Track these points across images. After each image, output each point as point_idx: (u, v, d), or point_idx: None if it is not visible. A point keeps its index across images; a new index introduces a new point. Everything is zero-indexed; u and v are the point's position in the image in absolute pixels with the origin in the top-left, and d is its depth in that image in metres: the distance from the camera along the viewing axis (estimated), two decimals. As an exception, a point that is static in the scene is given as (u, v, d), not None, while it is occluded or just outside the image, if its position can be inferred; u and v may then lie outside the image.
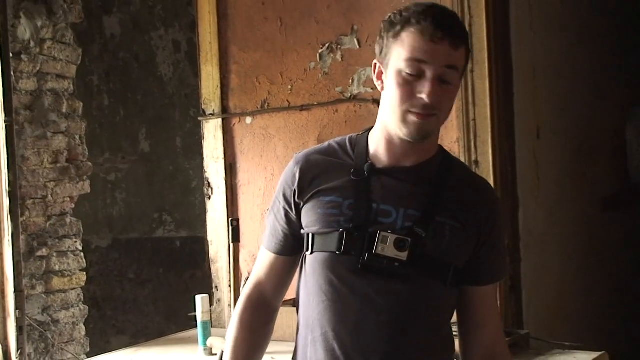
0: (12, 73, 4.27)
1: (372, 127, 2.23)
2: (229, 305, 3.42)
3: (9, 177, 4.08)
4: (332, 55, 4.10)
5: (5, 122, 4.08)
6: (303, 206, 2.22)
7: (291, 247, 2.28)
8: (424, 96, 2.04)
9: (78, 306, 4.82)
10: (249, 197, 4.30)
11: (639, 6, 5.72)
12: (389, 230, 2.10)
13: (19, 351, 4.04)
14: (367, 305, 2.12)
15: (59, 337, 4.72)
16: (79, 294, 4.82)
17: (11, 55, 4.26)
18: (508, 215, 3.89)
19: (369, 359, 2.12)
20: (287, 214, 2.26)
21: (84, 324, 4.82)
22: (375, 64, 2.17)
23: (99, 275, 5.00)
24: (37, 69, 4.70)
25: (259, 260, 2.37)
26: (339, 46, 4.08)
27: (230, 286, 3.50)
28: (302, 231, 2.22)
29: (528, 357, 3.46)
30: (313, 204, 2.20)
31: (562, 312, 4.45)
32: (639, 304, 5.16)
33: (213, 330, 3.84)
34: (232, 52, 4.35)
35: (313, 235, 2.18)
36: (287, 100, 4.22)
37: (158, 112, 4.96)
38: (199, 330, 3.81)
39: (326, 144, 2.30)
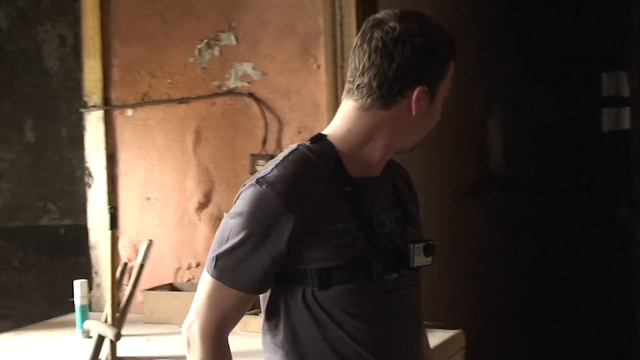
0: None
1: (321, 137, 2.00)
2: (107, 289, 3.37)
3: None
4: (210, 51, 4.08)
5: None
6: (302, 243, 1.92)
7: (268, 285, 1.99)
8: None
9: (-39, 293, 4.69)
10: (129, 186, 4.26)
11: (499, 7, 5.83)
12: (390, 240, 1.99)
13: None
14: (398, 321, 2.03)
15: (-58, 322, 4.59)
16: (-38, 281, 4.69)
17: None
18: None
19: None
20: (276, 257, 1.92)
21: (-32, 310, 4.69)
22: (419, 86, 1.95)
23: (-17, 262, 4.89)
24: None
25: (218, 297, 1.98)
26: (217, 42, 4.07)
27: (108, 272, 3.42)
28: (301, 267, 1.94)
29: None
30: (317, 238, 1.93)
31: (429, 294, 4.49)
32: (491, 284, 5.24)
33: (92, 314, 3.83)
34: (115, 47, 4.29)
35: (327, 270, 1.93)
36: (167, 93, 4.18)
37: (44, 104, 4.84)
38: (77, 314, 3.76)
39: (291, 165, 1.94)
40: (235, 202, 2.00)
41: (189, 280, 4.11)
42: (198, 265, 4.10)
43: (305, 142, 2.00)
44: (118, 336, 3.22)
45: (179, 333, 3.56)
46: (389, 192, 2.06)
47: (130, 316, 3.44)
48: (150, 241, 3.43)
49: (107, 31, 4.29)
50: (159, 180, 4.19)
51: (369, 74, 1.93)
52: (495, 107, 5.78)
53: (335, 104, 3.76)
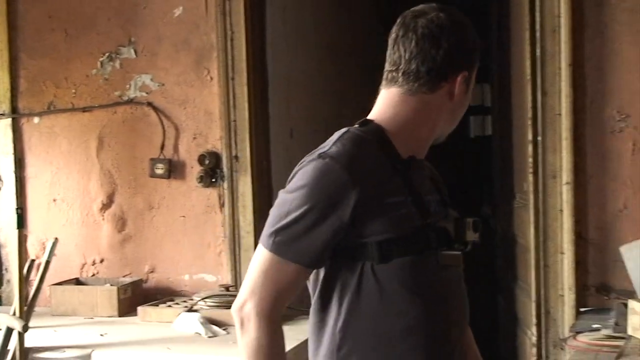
0: None
1: (368, 121, 1.93)
2: (15, 284, 3.44)
3: None
4: (111, 64, 4.16)
5: None
6: (364, 215, 1.84)
7: (324, 260, 1.88)
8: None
9: None
10: (36, 188, 4.30)
11: (376, 23, 6.04)
12: (439, 220, 1.93)
13: None
14: (449, 298, 1.96)
15: None
16: None
17: None
18: (265, 203, 4.04)
19: (451, 340, 1.97)
20: (338, 229, 1.83)
21: None
22: (461, 72, 1.93)
23: None
24: None
25: (275, 273, 1.86)
26: (118, 55, 4.15)
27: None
28: (361, 240, 1.85)
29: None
30: (378, 210, 1.85)
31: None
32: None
33: (2, 307, 3.85)
34: (22, 59, 4.32)
35: (387, 242, 1.85)
36: (71, 103, 4.24)
37: None
38: (-12, 307, 3.80)
39: (348, 142, 1.87)
40: (290, 180, 1.89)
41: (93, 275, 4.20)
42: (102, 261, 4.19)
43: (355, 126, 1.93)
44: (25, 328, 3.29)
45: (84, 324, 3.72)
46: (427, 177, 2.01)
47: (38, 309, 3.52)
48: (56, 239, 3.51)
49: (15, 45, 4.32)
50: (64, 183, 4.26)
51: (417, 60, 1.90)
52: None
53: (227, 112, 3.91)
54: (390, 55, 1.95)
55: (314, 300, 1.94)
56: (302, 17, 4.79)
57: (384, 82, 1.97)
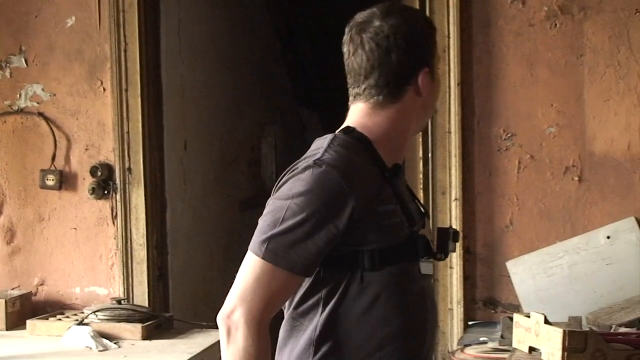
0: None
1: (351, 129, 1.95)
2: None
3: None
4: (1, 72, 4.03)
5: None
6: (358, 223, 1.85)
7: (315, 268, 1.87)
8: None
9: None
10: None
11: (272, 36, 6.06)
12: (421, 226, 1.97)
13: None
14: (431, 304, 2.00)
15: None
16: None
17: None
18: (157, 215, 4.00)
19: (425, 346, 1.98)
20: (333, 238, 1.83)
21: None
22: (421, 70, 1.94)
23: None
24: None
25: (267, 280, 1.83)
26: (8, 64, 4.03)
27: None
28: (353, 249, 1.86)
29: (171, 336, 3.57)
30: (372, 218, 1.86)
31: (205, 297, 4.62)
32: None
33: None
34: None
35: (380, 251, 1.87)
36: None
37: None
38: None
39: (341, 149, 1.88)
40: (280, 187, 1.88)
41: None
42: (-9, 271, 4.05)
43: (338, 132, 1.94)
44: None
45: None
46: (404, 184, 2.02)
47: None
48: (-59, 251, 3.39)
49: None
50: (-49, 194, 4.10)
51: (374, 76, 1.91)
52: (267, 129, 5.99)
53: (120, 124, 3.84)
54: (348, 72, 1.97)
55: (293, 305, 1.92)
56: (198, 29, 4.75)
57: (350, 99, 1.99)
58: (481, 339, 3.11)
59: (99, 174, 3.88)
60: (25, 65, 4.01)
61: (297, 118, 6.54)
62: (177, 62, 4.40)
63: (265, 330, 1.83)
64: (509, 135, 3.49)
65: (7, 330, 3.70)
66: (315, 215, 1.80)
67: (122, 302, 3.71)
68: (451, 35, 3.47)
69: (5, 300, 3.73)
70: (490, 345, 2.99)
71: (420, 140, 3.53)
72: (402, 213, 1.90)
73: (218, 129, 4.97)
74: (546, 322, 2.52)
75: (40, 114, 3.97)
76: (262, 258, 1.81)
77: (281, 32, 6.30)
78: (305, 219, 1.80)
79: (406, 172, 3.92)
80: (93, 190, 3.87)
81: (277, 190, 1.90)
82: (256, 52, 5.72)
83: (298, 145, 6.19)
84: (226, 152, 5.12)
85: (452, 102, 3.47)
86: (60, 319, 3.68)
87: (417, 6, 3.53)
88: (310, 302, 1.89)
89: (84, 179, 3.92)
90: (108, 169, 3.90)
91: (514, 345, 2.71)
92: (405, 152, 2.02)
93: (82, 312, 3.71)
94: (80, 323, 3.55)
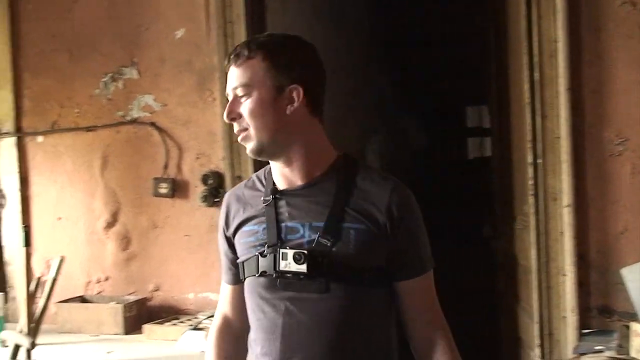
0: None
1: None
2: (22, 302, 3.42)
3: None
4: (114, 84, 4.14)
5: None
6: (233, 239, 2.11)
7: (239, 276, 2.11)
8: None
9: None
10: (41, 206, 4.28)
11: (378, 47, 6.07)
12: (296, 246, 1.97)
13: None
14: (290, 319, 1.99)
15: None
16: None
17: None
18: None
19: None
20: (227, 248, 2.15)
21: None
22: None
23: None
24: None
25: (220, 295, 2.24)
26: (121, 76, 4.13)
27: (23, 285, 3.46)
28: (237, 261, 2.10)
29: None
30: (239, 236, 2.09)
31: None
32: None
33: (8, 324, 3.81)
34: (25, 79, 4.32)
35: (242, 263, 2.06)
36: (75, 122, 4.23)
37: None
38: (-6, 325, 3.78)
39: (251, 176, 2.15)
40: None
41: (98, 292, 4.17)
42: (107, 279, 4.17)
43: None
44: (33, 345, 3.28)
45: (90, 342, 3.70)
46: (321, 202, 2.00)
47: (44, 326, 3.48)
48: (62, 257, 3.48)
49: (18, 64, 4.31)
50: (69, 202, 4.24)
51: None
52: (372, 136, 5.98)
53: (229, 133, 3.89)
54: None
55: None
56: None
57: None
58: (597, 347, 3.06)
59: (210, 182, 3.95)
60: (137, 77, 4.11)
61: (400, 124, 6.53)
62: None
63: (217, 333, 2.23)
64: (621, 140, 3.42)
65: (125, 334, 3.80)
66: (219, 235, 2.21)
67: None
68: (559, 40, 3.41)
69: (124, 305, 3.84)
70: (607, 354, 2.95)
71: (529, 145, 3.49)
72: (264, 232, 2.02)
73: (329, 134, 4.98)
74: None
75: (152, 124, 4.07)
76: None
77: (381, 38, 6.30)
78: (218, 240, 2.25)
79: (515, 178, 3.92)
80: (205, 198, 3.94)
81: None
82: (357, 59, 5.74)
83: (402, 151, 6.22)
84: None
85: (561, 107, 3.41)
86: (175, 324, 3.77)
87: (523, 12, 3.49)
88: None
89: (195, 186, 4.00)
90: (218, 177, 3.95)
91: (632, 354, 2.67)
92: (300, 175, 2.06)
93: (196, 317, 3.79)
94: (195, 328, 3.63)
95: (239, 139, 2.01)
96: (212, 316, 3.62)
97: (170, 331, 3.69)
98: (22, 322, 3.36)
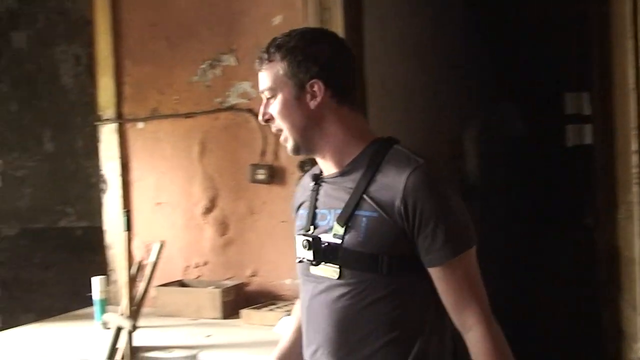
0: None
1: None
2: (123, 285, 3.48)
3: None
4: (212, 71, 4.18)
5: None
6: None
7: None
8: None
9: (-11, 287, 4.78)
10: (141, 191, 4.36)
11: (475, 30, 5.97)
12: (321, 232, 2.03)
13: None
14: (313, 302, 2.07)
15: (-30, 315, 4.69)
16: (-10, 277, 4.78)
17: None
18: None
19: (317, 351, 2.07)
20: None
21: (-4, 303, 4.78)
22: None
23: (8, 260, 4.97)
24: (-48, 77, 4.65)
25: None
26: (219, 63, 4.17)
27: (123, 269, 3.53)
28: None
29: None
30: (297, 220, 2.22)
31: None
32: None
33: (109, 307, 3.89)
34: (126, 66, 4.39)
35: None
36: (174, 109, 4.28)
37: (61, 117, 4.95)
38: (96, 307, 3.86)
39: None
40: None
41: (197, 277, 4.23)
42: (205, 263, 4.22)
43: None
44: (134, 327, 3.34)
45: (189, 325, 3.75)
46: (346, 190, 2.02)
47: (143, 310, 3.51)
48: (163, 242, 3.53)
49: (119, 52, 4.39)
50: (168, 187, 4.31)
51: None
52: (469, 123, 5.90)
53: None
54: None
55: None
56: (399, 24, 4.75)
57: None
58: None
59: (307, 168, 3.93)
60: (235, 63, 4.14)
61: (498, 111, 6.43)
62: (379, 57, 4.41)
63: (294, 310, 2.43)
64: None
65: (222, 319, 3.85)
66: None
67: (330, 293, 3.75)
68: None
69: (222, 290, 3.89)
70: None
71: (634, 133, 3.38)
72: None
73: (419, 123, 4.95)
74: None
75: (250, 111, 4.09)
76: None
77: (478, 22, 6.20)
78: None
79: (618, 166, 3.81)
80: (301, 184, 3.95)
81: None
82: (455, 45, 5.66)
83: (500, 139, 6.11)
84: (428, 147, 5.08)
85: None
86: (272, 309, 3.79)
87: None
88: None
89: (292, 173, 4.00)
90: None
91: None
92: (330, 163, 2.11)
93: (293, 303, 3.79)
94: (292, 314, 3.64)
95: (281, 140, 2.09)
96: (308, 302, 3.67)
97: (267, 316, 3.71)
98: (124, 305, 3.42)
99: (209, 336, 3.58)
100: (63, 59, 5.02)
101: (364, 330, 1.98)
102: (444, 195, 1.95)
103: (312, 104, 2.02)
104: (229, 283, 4.04)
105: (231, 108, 4.14)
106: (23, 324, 4.02)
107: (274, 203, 4.05)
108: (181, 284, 4.16)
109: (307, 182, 2.19)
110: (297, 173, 3.96)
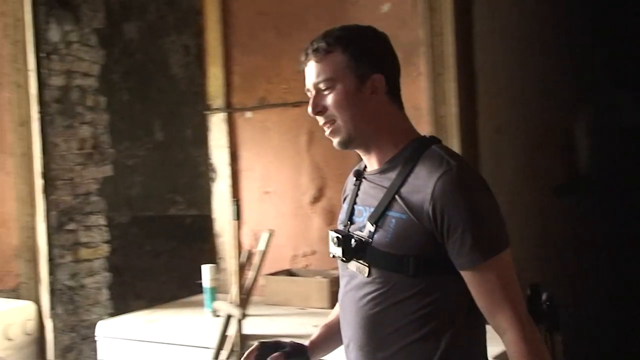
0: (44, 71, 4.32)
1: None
2: (232, 273, 3.51)
3: (42, 160, 4.10)
4: (322, 60, 4.16)
5: (38, 113, 4.11)
6: None
7: None
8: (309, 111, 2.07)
9: (102, 273, 4.90)
10: (249, 180, 4.39)
11: (586, 14, 5.80)
12: (356, 228, 2.05)
13: (52, 311, 4.12)
14: (346, 297, 2.09)
15: (85, 299, 4.81)
16: (102, 263, 4.90)
17: (43, 55, 4.30)
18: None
19: (349, 345, 2.10)
20: None
21: (108, 289, 4.89)
22: None
23: (120, 247, 5.07)
24: (66, 67, 4.77)
25: None
26: (327, 51, 4.14)
27: (233, 257, 3.56)
28: None
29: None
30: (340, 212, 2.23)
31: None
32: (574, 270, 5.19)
33: (219, 295, 3.92)
34: (235, 56, 4.42)
35: None
36: (283, 98, 4.29)
37: (170, 107, 5.03)
38: (206, 295, 3.91)
39: None
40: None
41: (306, 266, 4.24)
42: (313, 253, 4.23)
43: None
44: (243, 315, 3.37)
45: (297, 314, 3.75)
46: (381, 188, 2.03)
47: (253, 298, 3.55)
48: (272, 231, 3.54)
49: (228, 42, 4.42)
50: (276, 176, 4.33)
51: None
52: (580, 112, 5.75)
53: (434, 108, 3.85)
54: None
55: None
56: (509, 10, 4.65)
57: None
58: None
59: (414, 159, 3.91)
60: (343, 52, 4.11)
61: (611, 99, 6.24)
62: (489, 44, 4.33)
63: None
64: None
65: (330, 308, 3.82)
66: None
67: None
68: None
69: (329, 280, 3.88)
70: None
71: None
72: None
73: (529, 112, 4.84)
74: None
75: (357, 100, 4.06)
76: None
77: (591, 7, 6.02)
78: None
79: None
80: (412, 171, 3.90)
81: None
82: (566, 27, 5.51)
83: (613, 128, 5.92)
84: (537, 135, 4.97)
85: None
86: (381, 300, 3.75)
87: None
88: None
89: (399, 162, 3.96)
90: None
91: None
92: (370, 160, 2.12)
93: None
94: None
95: (327, 133, 2.06)
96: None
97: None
98: (233, 293, 3.45)
99: (316, 325, 3.56)
100: (173, 49, 5.11)
101: (390, 329, 1.99)
102: (474, 199, 1.92)
103: (372, 98, 2.03)
104: (336, 273, 4.00)
105: (340, 97, 4.11)
106: (133, 310, 4.10)
107: (382, 193, 4.01)
108: (289, 272, 4.17)
109: (351, 177, 2.22)
110: (406, 163, 3.92)
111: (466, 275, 1.93)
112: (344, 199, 2.23)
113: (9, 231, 4.37)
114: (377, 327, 2.00)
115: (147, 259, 5.02)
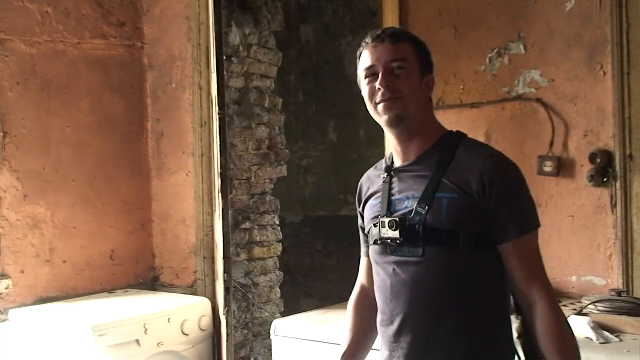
0: (224, 73, 4.42)
1: None
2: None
3: (221, 160, 4.20)
4: (500, 59, 4.10)
5: (219, 114, 4.21)
6: (364, 214, 2.43)
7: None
8: (378, 85, 2.22)
9: (275, 272, 4.96)
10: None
11: None
12: (400, 215, 2.21)
13: (226, 308, 4.19)
14: (395, 281, 2.23)
15: (258, 297, 4.89)
16: (275, 262, 4.96)
17: (224, 58, 4.40)
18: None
19: (397, 322, 2.24)
20: (361, 223, 2.48)
21: (279, 288, 4.95)
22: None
23: (292, 246, 5.12)
24: (245, 69, 4.87)
25: (360, 266, 2.56)
26: (507, 51, 4.08)
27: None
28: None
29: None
30: (366, 211, 2.40)
31: None
32: None
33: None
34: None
35: (367, 234, 2.37)
36: (460, 99, 4.24)
37: (345, 108, 5.06)
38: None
39: (381, 160, 2.46)
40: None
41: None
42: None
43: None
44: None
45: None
46: (423, 176, 2.23)
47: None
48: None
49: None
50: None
51: None
52: None
53: (621, 109, 3.69)
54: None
55: None
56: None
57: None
58: None
59: (598, 160, 3.77)
60: (524, 52, 4.02)
61: None
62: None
63: (354, 299, 2.55)
64: None
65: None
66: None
67: (622, 294, 3.55)
68: None
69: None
70: None
71: None
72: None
73: None
74: None
75: (539, 100, 3.96)
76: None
77: None
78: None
79: None
80: (592, 178, 3.77)
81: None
82: None
83: None
84: None
85: None
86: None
87: None
88: None
89: (582, 165, 3.83)
90: (607, 155, 3.75)
91: None
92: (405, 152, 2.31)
93: (580, 302, 3.63)
94: (579, 313, 3.48)
95: (385, 104, 2.22)
96: (597, 302, 3.49)
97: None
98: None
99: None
100: (349, 51, 5.13)
101: (444, 307, 2.18)
102: (518, 180, 2.22)
103: (427, 92, 2.31)
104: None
105: (519, 98, 4.04)
106: (303, 309, 4.12)
107: (562, 196, 3.90)
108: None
109: (375, 175, 2.42)
110: (587, 165, 3.79)
111: (508, 247, 2.16)
112: (369, 197, 2.39)
113: (188, 229, 4.50)
114: (431, 306, 2.18)
115: (319, 258, 5.06)
